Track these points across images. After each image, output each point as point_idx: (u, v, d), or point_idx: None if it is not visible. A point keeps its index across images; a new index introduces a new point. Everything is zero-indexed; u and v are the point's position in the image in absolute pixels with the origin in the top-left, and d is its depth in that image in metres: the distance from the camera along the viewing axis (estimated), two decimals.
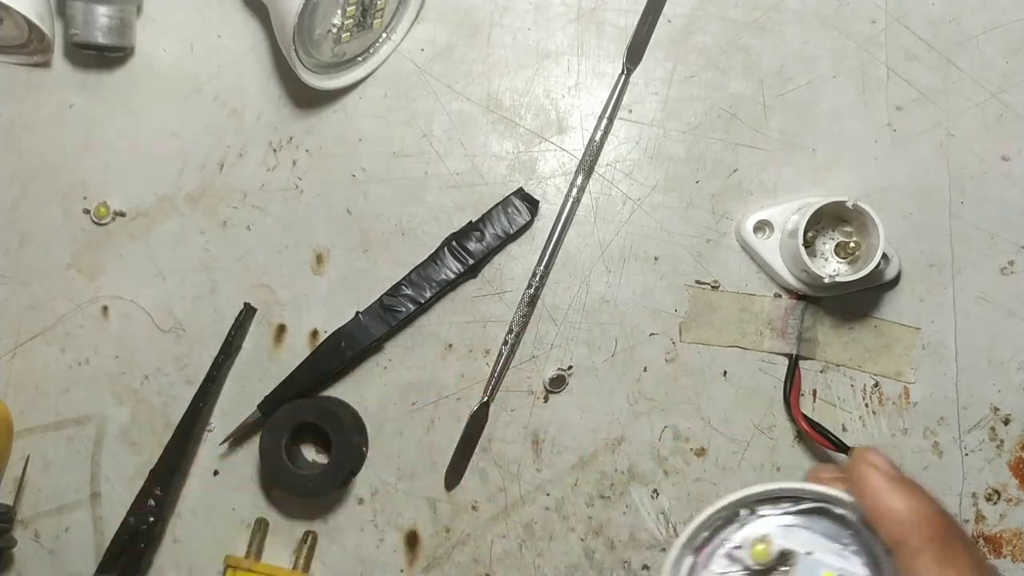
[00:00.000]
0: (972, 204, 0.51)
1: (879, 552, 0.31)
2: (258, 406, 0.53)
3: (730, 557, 0.33)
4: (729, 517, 0.33)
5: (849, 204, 0.46)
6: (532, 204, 0.53)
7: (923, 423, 0.51)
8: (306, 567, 0.52)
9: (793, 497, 0.32)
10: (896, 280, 0.51)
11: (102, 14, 0.53)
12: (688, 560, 0.33)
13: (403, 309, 0.52)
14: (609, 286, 0.52)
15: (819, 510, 0.32)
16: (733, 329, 0.52)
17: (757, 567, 0.32)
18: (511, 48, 0.54)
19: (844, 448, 0.49)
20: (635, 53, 0.53)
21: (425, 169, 0.54)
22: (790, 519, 0.32)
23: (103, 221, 0.55)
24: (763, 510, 0.33)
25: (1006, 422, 0.51)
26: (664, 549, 0.51)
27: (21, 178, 0.56)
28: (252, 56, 0.55)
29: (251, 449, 0.54)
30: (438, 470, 0.53)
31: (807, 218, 0.47)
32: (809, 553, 0.32)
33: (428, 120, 0.54)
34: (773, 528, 0.32)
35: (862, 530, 0.31)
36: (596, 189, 0.53)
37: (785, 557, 0.32)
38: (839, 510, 0.32)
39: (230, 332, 0.53)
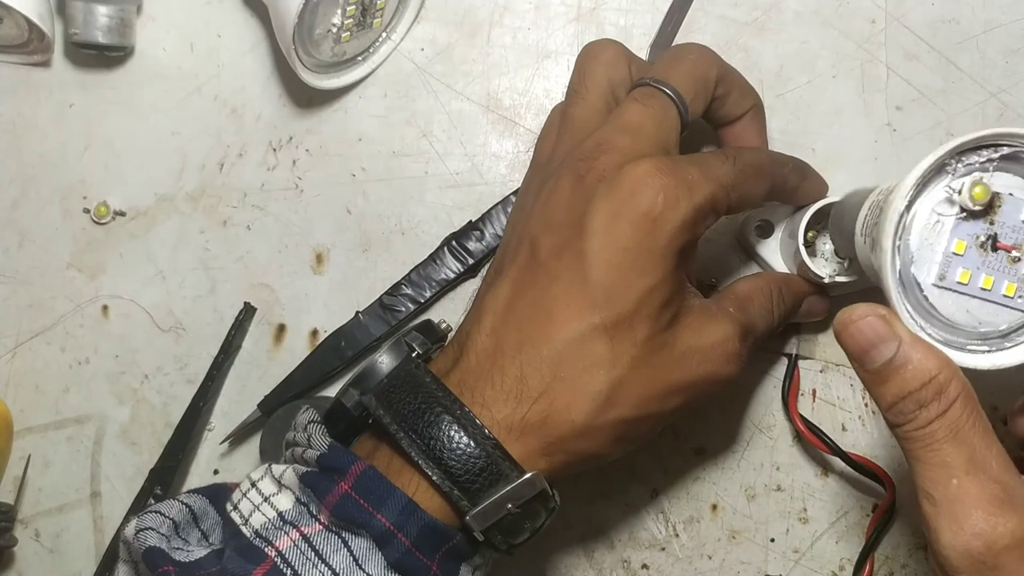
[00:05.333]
0: None
1: None
2: (258, 405, 0.53)
3: (947, 202, 0.36)
4: (938, 170, 0.36)
5: None
6: None
7: None
8: None
9: (992, 145, 0.36)
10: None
11: (102, 14, 0.53)
12: (905, 218, 0.36)
13: (403, 309, 0.53)
14: None
15: (1015, 156, 0.36)
16: None
17: (976, 208, 0.35)
18: (511, 48, 0.54)
19: (839, 452, 0.49)
20: (659, 53, 0.52)
21: (425, 169, 0.54)
22: (991, 165, 0.36)
23: (103, 221, 0.55)
24: (967, 159, 0.36)
25: (1005, 422, 0.51)
26: (664, 548, 0.51)
27: (21, 178, 0.56)
28: (252, 56, 0.55)
29: (251, 449, 0.54)
30: None
31: (807, 218, 0.47)
32: (1011, 194, 0.36)
33: (428, 120, 0.54)
34: (980, 173, 0.36)
35: None
36: None
37: (994, 198, 0.36)
38: None
39: (230, 332, 0.53)
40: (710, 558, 0.51)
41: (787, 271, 0.50)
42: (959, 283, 0.36)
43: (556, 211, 0.40)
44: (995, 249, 0.36)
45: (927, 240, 0.36)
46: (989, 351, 0.37)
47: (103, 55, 0.55)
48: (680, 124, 0.43)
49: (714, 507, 0.51)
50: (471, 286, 0.53)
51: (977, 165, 0.36)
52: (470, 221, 0.53)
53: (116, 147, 0.55)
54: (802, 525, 0.51)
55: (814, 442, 0.49)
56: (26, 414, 0.55)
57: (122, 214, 0.55)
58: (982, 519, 0.32)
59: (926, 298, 0.36)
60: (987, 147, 0.36)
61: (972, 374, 0.36)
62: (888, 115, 0.52)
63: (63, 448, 0.55)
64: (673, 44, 0.53)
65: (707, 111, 0.46)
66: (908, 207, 0.36)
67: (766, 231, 0.51)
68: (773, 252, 0.50)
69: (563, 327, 0.38)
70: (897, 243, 0.36)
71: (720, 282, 0.52)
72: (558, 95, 0.54)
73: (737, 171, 0.41)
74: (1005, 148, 0.36)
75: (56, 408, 0.55)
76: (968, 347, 0.36)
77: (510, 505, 0.37)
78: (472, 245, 0.52)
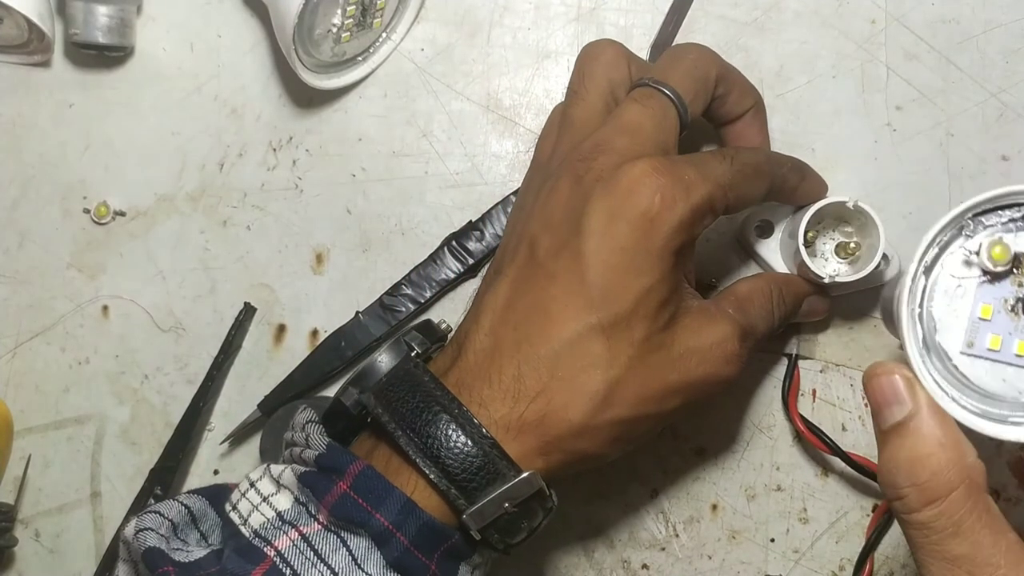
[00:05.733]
0: None
1: None
2: (258, 405, 0.53)
3: (966, 264, 0.35)
4: (956, 231, 0.35)
5: (849, 204, 0.46)
6: None
7: None
8: None
9: (1014, 204, 0.34)
10: (896, 280, 0.51)
11: (102, 14, 0.53)
12: (921, 283, 0.35)
13: (403, 309, 0.53)
14: None
15: None
16: None
17: (996, 269, 0.34)
18: (511, 48, 0.54)
19: (839, 452, 0.49)
20: (659, 53, 0.52)
21: (425, 169, 0.54)
22: (1013, 225, 0.35)
23: (103, 221, 0.55)
24: (987, 220, 0.35)
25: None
26: (664, 548, 0.51)
27: (21, 178, 0.56)
28: (252, 56, 0.55)
29: (251, 449, 0.54)
30: None
31: (807, 218, 0.47)
32: None
33: (428, 120, 0.54)
34: (1001, 234, 0.35)
35: None
36: None
37: (1018, 259, 0.34)
38: None
39: (230, 332, 0.53)
40: (710, 558, 0.51)
41: (787, 271, 0.50)
42: (990, 350, 0.34)
43: (555, 211, 0.40)
44: None
45: (950, 306, 0.35)
46: None
47: (103, 55, 0.55)
48: (679, 124, 0.43)
49: (714, 507, 0.51)
50: (471, 286, 0.53)
51: (999, 226, 0.35)
52: (470, 221, 0.53)
53: (116, 147, 0.55)
54: (802, 525, 0.51)
55: (814, 442, 0.49)
56: (26, 414, 0.55)
57: (122, 214, 0.55)
58: None
59: (956, 367, 0.35)
60: (1009, 207, 0.34)
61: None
62: (888, 115, 0.52)
63: (63, 448, 0.55)
64: (673, 44, 0.53)
65: (708, 110, 0.46)
66: (927, 271, 0.35)
67: (766, 231, 0.51)
68: (773, 252, 0.50)
69: (561, 327, 0.38)
70: (918, 310, 0.35)
71: (720, 282, 0.52)
72: (558, 95, 0.54)
73: (735, 171, 0.41)
74: None
75: (56, 408, 0.55)
76: (1011, 419, 0.34)
77: (507, 504, 0.37)
78: (472, 245, 0.52)
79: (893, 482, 0.32)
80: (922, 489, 0.31)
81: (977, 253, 0.34)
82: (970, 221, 0.35)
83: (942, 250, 0.35)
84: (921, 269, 0.35)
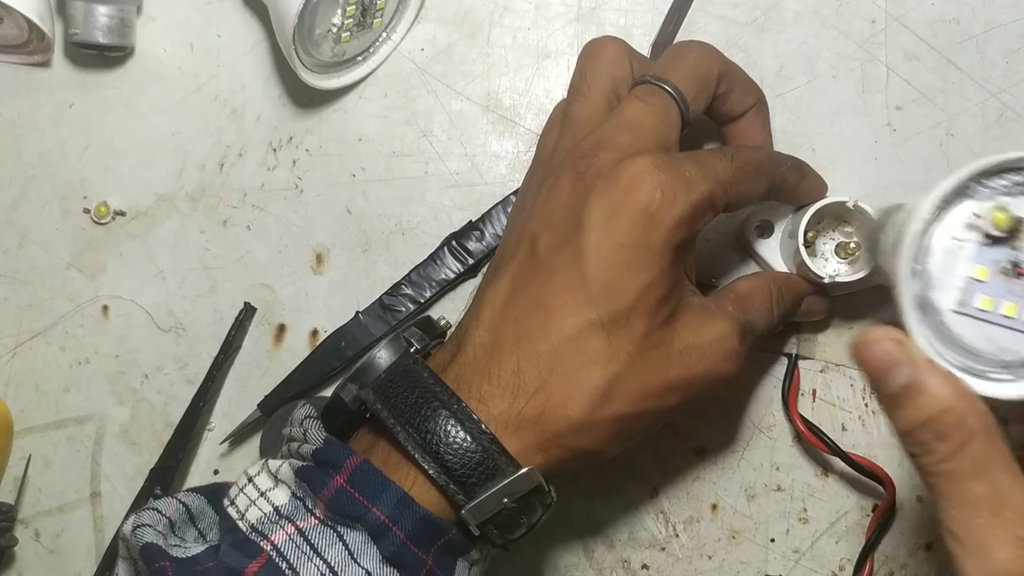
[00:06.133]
0: None
1: None
2: (258, 405, 0.53)
3: (968, 227, 0.35)
4: (961, 193, 0.35)
5: (849, 204, 0.46)
6: None
7: None
8: None
9: (1017, 168, 0.35)
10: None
11: (102, 14, 0.53)
12: (923, 241, 0.35)
13: (403, 309, 0.53)
14: None
15: None
16: None
17: (997, 234, 0.35)
18: (511, 48, 0.54)
19: (839, 452, 0.49)
20: (660, 52, 0.52)
21: (425, 169, 0.54)
22: (1017, 190, 0.35)
23: (103, 221, 0.55)
24: (991, 183, 0.35)
25: (1005, 422, 0.51)
26: (664, 548, 0.51)
27: (21, 178, 0.56)
28: (252, 56, 0.55)
29: (251, 449, 0.54)
30: None
31: (807, 218, 0.47)
32: None
33: (428, 120, 0.54)
34: (1006, 198, 0.35)
35: None
36: None
37: (1019, 224, 0.35)
38: None
39: (230, 331, 0.53)
40: (710, 558, 0.51)
41: (787, 271, 0.50)
42: (980, 310, 0.35)
43: (556, 208, 0.40)
44: (1019, 276, 0.35)
45: (947, 265, 0.35)
46: (1013, 380, 0.35)
47: (103, 55, 0.55)
48: (681, 122, 0.43)
49: (714, 507, 0.51)
50: (471, 286, 0.53)
51: (1002, 189, 0.35)
52: (470, 221, 0.53)
53: (116, 147, 0.55)
54: (802, 525, 0.51)
55: (814, 442, 0.49)
56: (26, 414, 0.55)
57: (122, 214, 0.55)
58: (1010, 561, 0.31)
59: (944, 324, 0.35)
60: (1013, 170, 0.35)
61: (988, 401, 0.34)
62: (888, 115, 0.52)
63: (63, 448, 0.55)
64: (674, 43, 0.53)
65: (710, 108, 0.46)
66: (926, 230, 0.35)
67: (766, 231, 0.51)
68: (773, 252, 0.50)
69: (560, 323, 0.38)
70: (916, 267, 0.35)
71: (720, 281, 0.52)
72: (558, 95, 0.54)
73: (735, 168, 0.41)
74: None
75: (56, 408, 0.55)
76: (989, 375, 0.35)
77: (506, 500, 0.37)
78: (472, 245, 0.52)
79: (919, 440, 0.33)
80: (951, 440, 0.32)
81: (980, 216, 0.35)
82: (976, 184, 0.35)
83: (943, 210, 0.35)
84: (923, 228, 0.35)
